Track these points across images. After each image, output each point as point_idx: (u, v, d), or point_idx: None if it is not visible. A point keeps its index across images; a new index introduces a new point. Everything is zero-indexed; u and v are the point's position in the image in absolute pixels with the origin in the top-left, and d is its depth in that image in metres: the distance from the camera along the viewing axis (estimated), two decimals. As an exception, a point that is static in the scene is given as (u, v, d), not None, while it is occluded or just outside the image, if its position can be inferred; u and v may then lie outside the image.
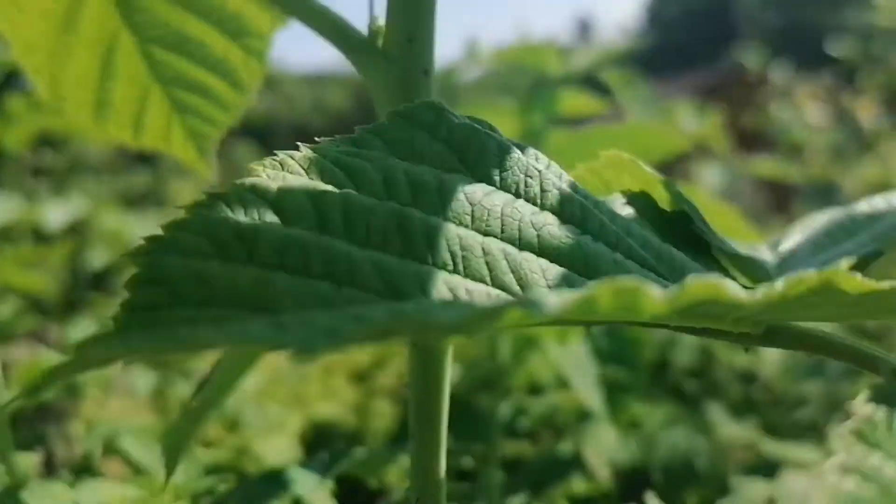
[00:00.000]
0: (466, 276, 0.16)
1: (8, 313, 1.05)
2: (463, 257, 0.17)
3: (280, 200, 0.16)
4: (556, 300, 0.12)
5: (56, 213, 1.09)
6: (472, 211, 0.18)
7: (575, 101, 1.09)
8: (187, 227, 0.15)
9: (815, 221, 0.26)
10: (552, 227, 0.18)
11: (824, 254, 0.24)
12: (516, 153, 0.19)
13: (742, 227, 0.34)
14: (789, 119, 3.09)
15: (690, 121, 1.85)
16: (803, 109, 3.25)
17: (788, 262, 0.24)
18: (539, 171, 0.19)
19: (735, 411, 1.51)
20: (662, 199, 0.22)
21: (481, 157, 0.19)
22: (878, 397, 0.15)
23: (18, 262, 1.05)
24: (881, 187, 1.97)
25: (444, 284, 0.16)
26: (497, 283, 0.17)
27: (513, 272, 0.17)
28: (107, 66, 0.35)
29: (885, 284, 0.15)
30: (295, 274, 0.15)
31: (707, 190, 1.97)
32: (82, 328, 0.95)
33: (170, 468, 0.32)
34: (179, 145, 0.40)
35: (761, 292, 0.15)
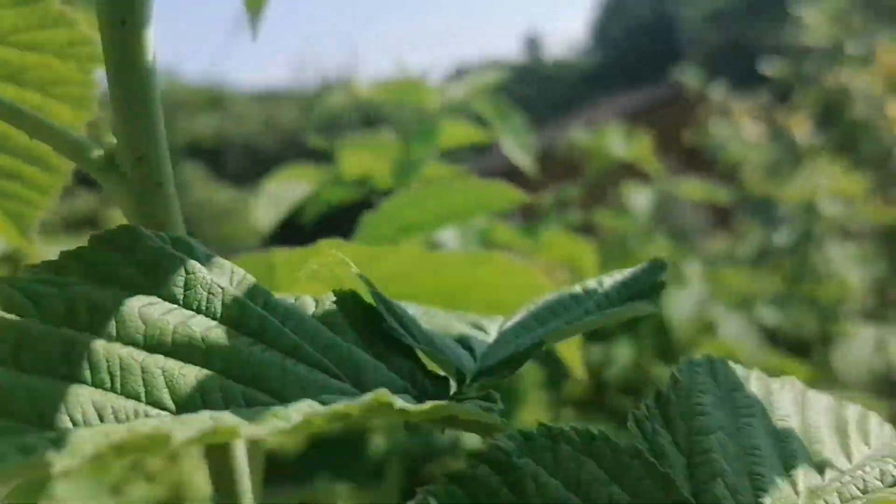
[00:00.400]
0: (122, 394, 0.19)
1: None
2: (121, 377, 0.19)
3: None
4: (89, 444, 0.14)
5: None
6: (145, 330, 0.21)
7: (455, 133, 1.12)
8: None
9: (545, 298, 0.30)
10: (222, 340, 0.21)
11: (528, 335, 0.27)
12: (202, 273, 0.22)
13: (537, 284, 0.37)
14: (727, 137, 3.19)
15: (620, 143, 1.91)
16: (740, 127, 3.35)
17: (499, 342, 0.28)
18: (222, 289, 0.22)
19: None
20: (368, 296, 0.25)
21: (168, 278, 0.22)
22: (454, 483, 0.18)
23: None
24: (810, 203, 2.06)
25: (93, 405, 0.18)
26: (150, 400, 0.19)
27: (168, 387, 0.20)
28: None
29: (431, 407, 0.18)
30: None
31: (636, 213, 2.03)
32: None
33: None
34: (7, 231, 0.42)
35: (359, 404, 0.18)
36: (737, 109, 3.53)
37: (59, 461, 0.14)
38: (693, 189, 1.78)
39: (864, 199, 2.06)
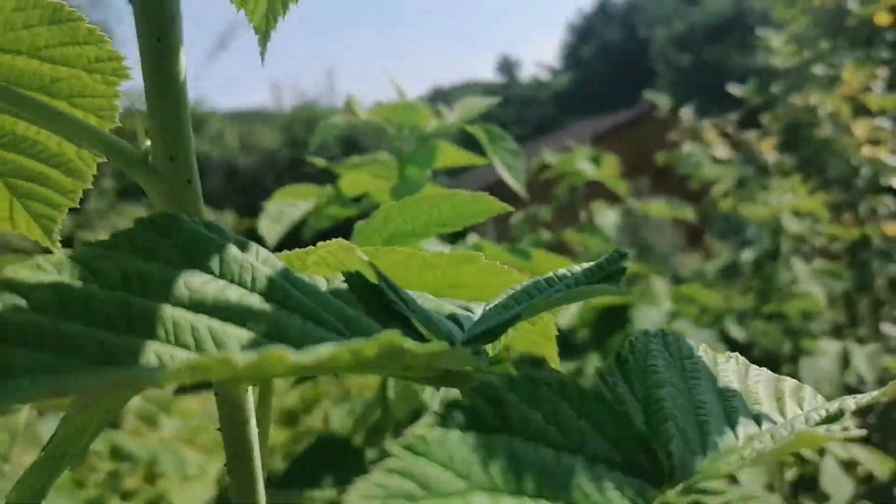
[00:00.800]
0: (177, 345, 0.23)
1: None
2: (174, 331, 0.24)
3: (30, 292, 0.23)
4: (237, 356, 0.19)
5: None
6: (189, 296, 0.25)
7: (452, 155, 1.18)
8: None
9: (523, 284, 0.34)
10: (254, 306, 0.25)
11: (507, 312, 0.31)
12: (234, 251, 0.27)
13: (515, 281, 0.42)
14: (697, 157, 3.27)
15: (587, 165, 1.97)
16: (710, 147, 3.44)
17: (483, 318, 0.32)
18: (252, 264, 0.27)
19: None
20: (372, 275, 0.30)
21: (204, 254, 0.26)
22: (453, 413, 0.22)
23: None
24: (776, 221, 2.13)
25: (154, 353, 0.23)
26: (199, 349, 0.24)
27: (214, 340, 0.24)
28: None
29: (436, 346, 0.23)
30: (33, 349, 0.21)
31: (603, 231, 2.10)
32: None
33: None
34: (24, 225, 0.46)
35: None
36: (707, 130, 3.63)
37: (148, 376, 0.19)
38: (659, 208, 1.84)
39: (828, 216, 2.14)
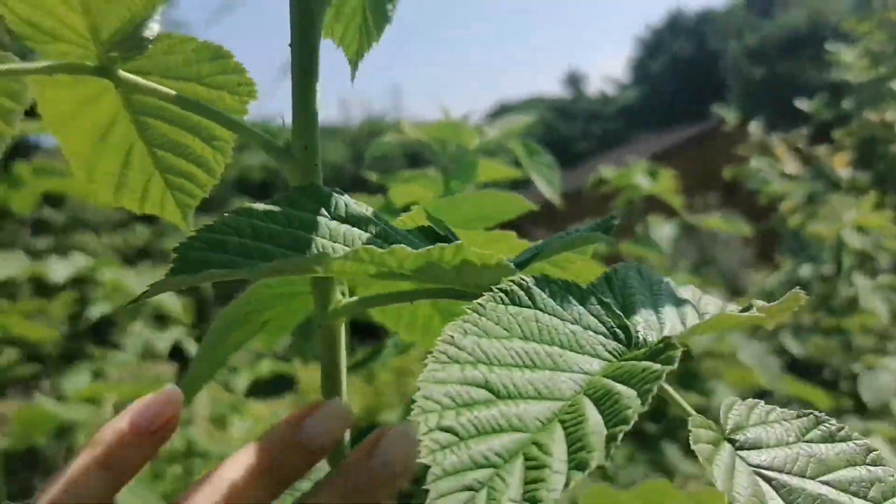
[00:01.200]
0: (336, 244, 0.41)
1: (4, 363, 1.29)
2: (331, 243, 0.41)
3: (232, 227, 0.40)
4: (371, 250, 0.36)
5: (59, 268, 1.35)
6: (329, 232, 0.42)
7: (492, 170, 1.36)
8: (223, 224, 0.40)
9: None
10: (365, 238, 0.43)
11: (527, 254, 0.48)
12: (351, 204, 0.44)
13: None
14: (766, 171, 3.38)
15: (644, 180, 2.12)
16: (780, 162, 3.54)
17: (515, 260, 0.49)
18: (361, 213, 0.44)
19: (689, 448, 1.75)
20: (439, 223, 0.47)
21: (334, 206, 0.44)
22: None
23: (21, 313, 1.30)
24: (839, 236, 2.25)
25: (316, 247, 0.40)
26: (344, 247, 0.41)
27: (344, 243, 0.41)
28: (126, 162, 0.59)
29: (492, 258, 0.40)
30: (241, 254, 0.39)
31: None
32: (78, 380, 1.18)
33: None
34: (171, 212, 0.65)
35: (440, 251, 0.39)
36: (776, 145, 3.71)
37: (327, 260, 0.36)
38: (715, 222, 1.99)
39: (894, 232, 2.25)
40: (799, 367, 2.04)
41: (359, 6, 0.56)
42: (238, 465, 0.44)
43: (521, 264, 0.47)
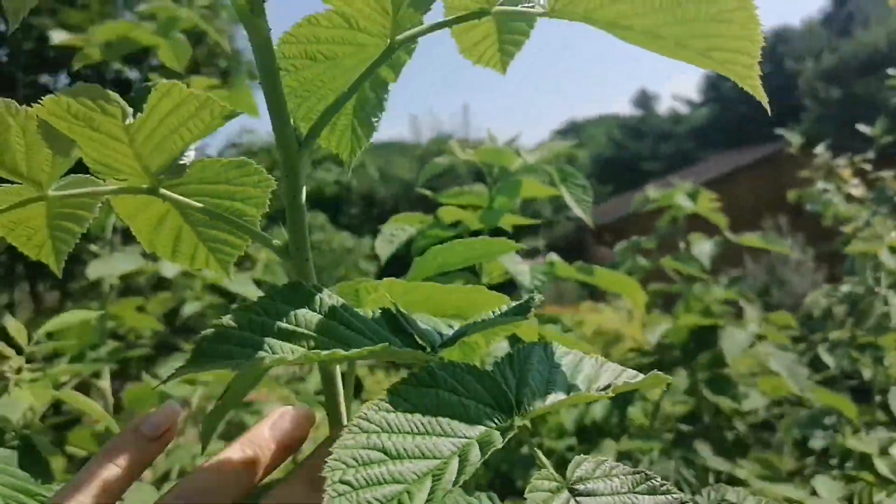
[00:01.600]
0: (293, 344, 0.57)
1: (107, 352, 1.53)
2: (292, 340, 0.57)
3: (232, 322, 0.57)
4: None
5: (168, 266, 1.62)
6: (300, 321, 0.58)
7: (535, 188, 1.51)
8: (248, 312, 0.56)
9: (486, 312, 0.66)
10: (328, 325, 0.58)
11: (458, 331, 0.63)
12: (323, 296, 0.60)
13: (502, 303, 0.72)
14: (830, 194, 3.40)
15: (685, 200, 2.23)
16: (845, 185, 3.55)
17: (453, 334, 0.64)
18: (331, 305, 0.60)
19: (722, 449, 1.92)
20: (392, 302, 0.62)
21: (310, 300, 0.59)
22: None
23: (132, 308, 1.56)
24: (875, 255, 2.30)
25: (280, 347, 0.56)
26: (310, 348, 0.57)
27: (313, 342, 0.57)
28: (177, 237, 0.77)
29: (407, 351, 0.55)
30: (226, 344, 0.55)
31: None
32: (174, 368, 1.39)
33: (203, 444, 0.72)
34: (214, 267, 0.82)
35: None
36: (842, 168, 3.71)
37: (269, 361, 0.52)
38: (754, 240, 2.08)
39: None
40: (834, 381, 2.13)
41: (349, 123, 0.72)
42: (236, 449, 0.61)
43: (445, 344, 0.62)
